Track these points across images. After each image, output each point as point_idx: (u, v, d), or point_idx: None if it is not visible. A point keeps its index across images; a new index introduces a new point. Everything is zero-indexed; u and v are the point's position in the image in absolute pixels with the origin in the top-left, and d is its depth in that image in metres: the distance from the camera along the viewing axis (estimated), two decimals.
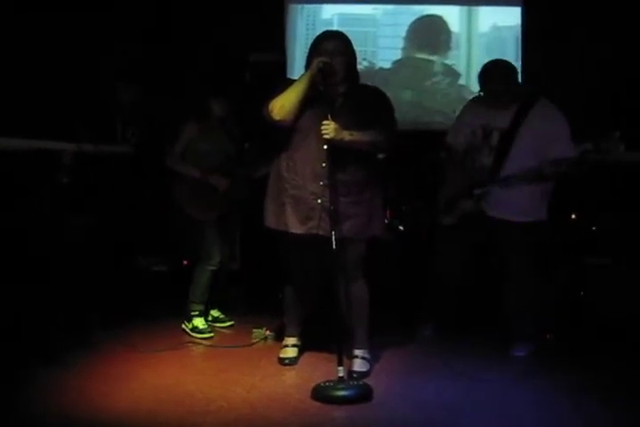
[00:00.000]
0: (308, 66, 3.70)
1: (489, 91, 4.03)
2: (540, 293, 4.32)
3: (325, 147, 3.56)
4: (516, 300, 4.14)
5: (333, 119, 3.55)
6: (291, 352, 4.02)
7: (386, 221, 4.34)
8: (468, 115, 4.22)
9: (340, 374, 3.49)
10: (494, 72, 4.03)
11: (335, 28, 6.05)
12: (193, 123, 4.51)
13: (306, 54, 3.80)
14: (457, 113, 4.41)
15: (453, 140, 4.24)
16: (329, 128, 3.52)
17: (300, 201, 3.69)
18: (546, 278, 4.85)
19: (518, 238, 4.05)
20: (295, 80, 3.71)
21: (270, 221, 3.81)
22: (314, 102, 3.64)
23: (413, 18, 6.45)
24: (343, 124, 3.57)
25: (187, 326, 4.50)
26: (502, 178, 3.97)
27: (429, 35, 6.44)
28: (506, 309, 4.18)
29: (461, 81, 6.45)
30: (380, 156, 4.06)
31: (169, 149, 4.50)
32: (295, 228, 3.70)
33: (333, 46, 3.66)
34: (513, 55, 6.32)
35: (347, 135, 3.57)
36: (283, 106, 3.61)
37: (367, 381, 3.63)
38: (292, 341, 4.07)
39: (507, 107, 4.01)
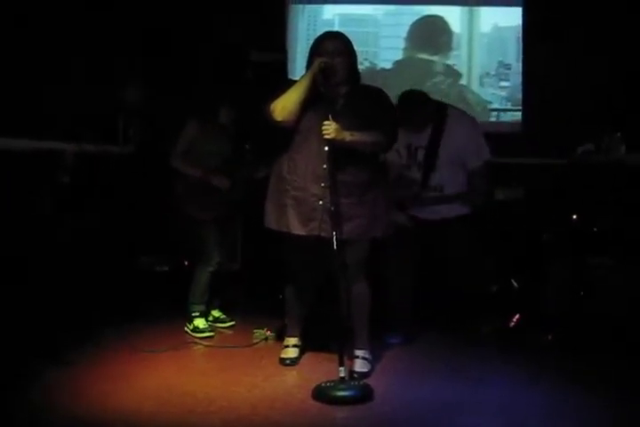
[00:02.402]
0: (308, 66, 3.70)
1: (407, 119, 4.25)
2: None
3: (326, 148, 3.57)
4: (467, 282, 4.45)
5: (334, 120, 3.54)
6: (292, 352, 4.02)
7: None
8: None
9: (341, 375, 3.49)
10: (410, 103, 4.29)
11: (336, 28, 6.04)
12: (195, 123, 4.51)
13: (307, 54, 3.79)
14: None
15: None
16: (330, 128, 3.52)
17: (301, 202, 3.69)
18: (547, 279, 4.86)
19: (455, 230, 4.33)
20: (297, 81, 3.71)
21: (271, 222, 3.80)
22: (315, 103, 3.63)
23: (414, 18, 6.47)
24: (344, 125, 3.56)
25: (188, 328, 4.51)
26: (435, 198, 4.30)
27: (430, 35, 6.45)
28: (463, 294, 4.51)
29: (462, 81, 6.46)
30: (382, 156, 4.10)
31: (173, 148, 4.50)
32: (297, 229, 3.70)
33: (334, 47, 3.65)
34: (514, 55, 6.35)
35: (348, 136, 3.56)
36: (284, 107, 3.61)
37: (368, 381, 3.63)
38: (292, 341, 4.07)
39: (424, 128, 4.30)
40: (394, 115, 3.78)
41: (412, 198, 4.31)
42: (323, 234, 3.64)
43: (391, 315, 4.42)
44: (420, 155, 4.30)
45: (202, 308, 4.56)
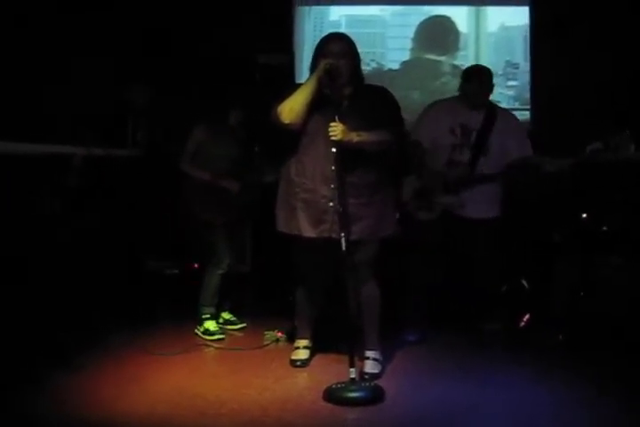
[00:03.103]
0: (313, 68, 3.70)
1: (474, 92, 4.32)
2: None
3: (334, 149, 3.57)
4: (485, 282, 4.50)
5: (341, 121, 3.55)
6: (302, 354, 4.03)
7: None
8: (442, 114, 4.40)
9: (352, 376, 3.49)
10: (482, 76, 4.36)
11: (343, 29, 6.06)
12: (203, 126, 4.52)
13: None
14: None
15: (422, 138, 4.38)
16: (336, 130, 3.52)
17: (311, 204, 3.69)
18: (555, 278, 4.85)
19: (484, 233, 4.38)
20: (302, 84, 3.71)
21: (282, 225, 3.81)
22: (321, 105, 3.63)
23: (422, 19, 6.47)
24: (351, 126, 3.56)
25: (198, 330, 4.51)
26: (482, 175, 4.32)
27: (438, 35, 6.45)
28: (476, 295, 4.53)
29: None
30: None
31: (182, 151, 4.51)
32: (307, 231, 3.70)
33: (339, 48, 3.65)
34: (521, 54, 6.35)
35: (355, 136, 3.56)
36: (291, 109, 3.61)
37: (379, 382, 3.63)
38: (303, 343, 4.07)
39: (479, 109, 4.35)
40: (399, 113, 3.77)
41: (459, 179, 4.32)
42: (333, 235, 3.63)
43: (408, 312, 4.44)
44: (474, 138, 4.34)
45: (212, 310, 4.57)
